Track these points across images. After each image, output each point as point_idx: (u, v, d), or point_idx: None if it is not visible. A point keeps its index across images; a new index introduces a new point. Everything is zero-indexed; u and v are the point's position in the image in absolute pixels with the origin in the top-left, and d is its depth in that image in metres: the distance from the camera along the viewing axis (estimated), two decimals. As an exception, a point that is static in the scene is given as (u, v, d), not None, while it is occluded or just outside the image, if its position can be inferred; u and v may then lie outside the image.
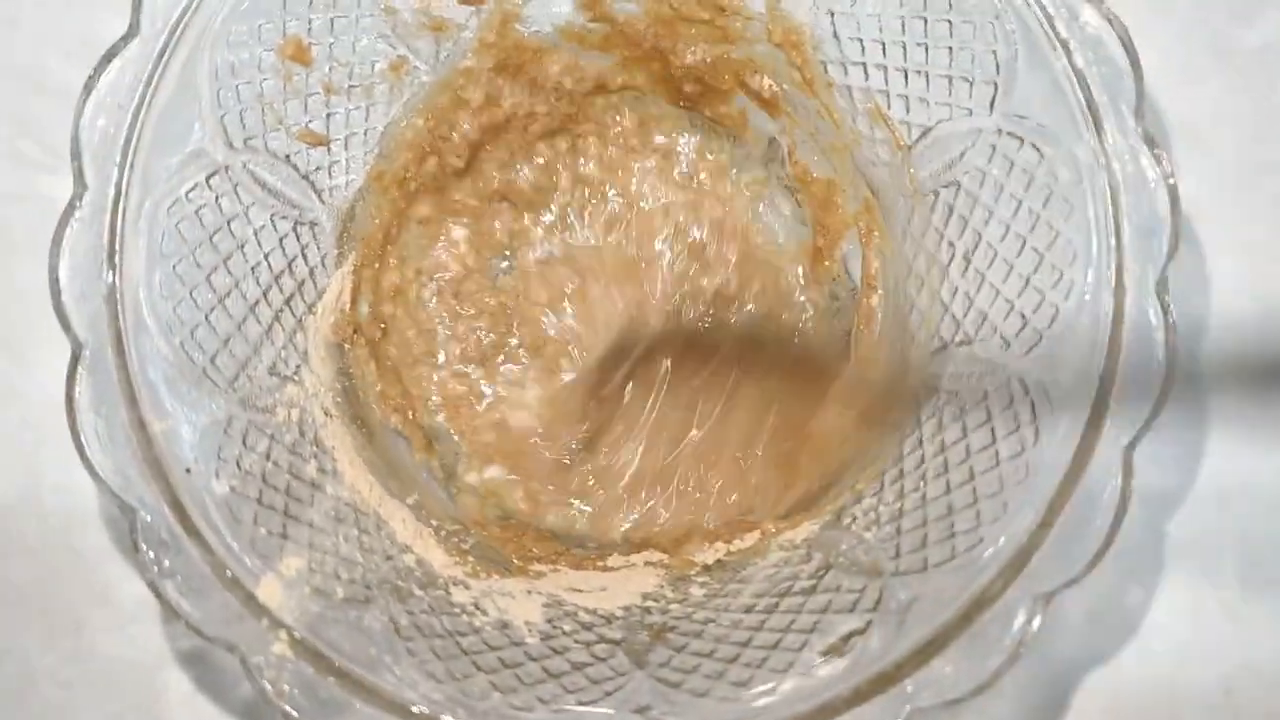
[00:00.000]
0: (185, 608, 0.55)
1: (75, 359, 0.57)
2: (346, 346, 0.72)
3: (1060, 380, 0.59)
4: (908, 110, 0.67)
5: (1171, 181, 0.58)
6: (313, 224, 0.69)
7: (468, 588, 0.62)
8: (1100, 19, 0.60)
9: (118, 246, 0.59)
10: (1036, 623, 0.54)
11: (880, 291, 0.73)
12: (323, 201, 0.70)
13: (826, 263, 0.76)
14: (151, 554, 0.55)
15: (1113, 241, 0.58)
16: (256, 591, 0.56)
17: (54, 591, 0.72)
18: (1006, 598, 0.55)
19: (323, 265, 0.70)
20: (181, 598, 0.55)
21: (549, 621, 0.62)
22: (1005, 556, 0.56)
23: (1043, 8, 0.60)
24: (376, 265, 0.74)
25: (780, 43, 0.71)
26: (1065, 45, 0.60)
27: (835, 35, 0.69)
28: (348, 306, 0.72)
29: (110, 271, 0.58)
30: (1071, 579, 0.55)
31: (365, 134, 0.71)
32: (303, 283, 0.68)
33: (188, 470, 0.57)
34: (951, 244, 0.66)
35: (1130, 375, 0.57)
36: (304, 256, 0.68)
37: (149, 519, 0.56)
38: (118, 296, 0.58)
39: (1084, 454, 0.56)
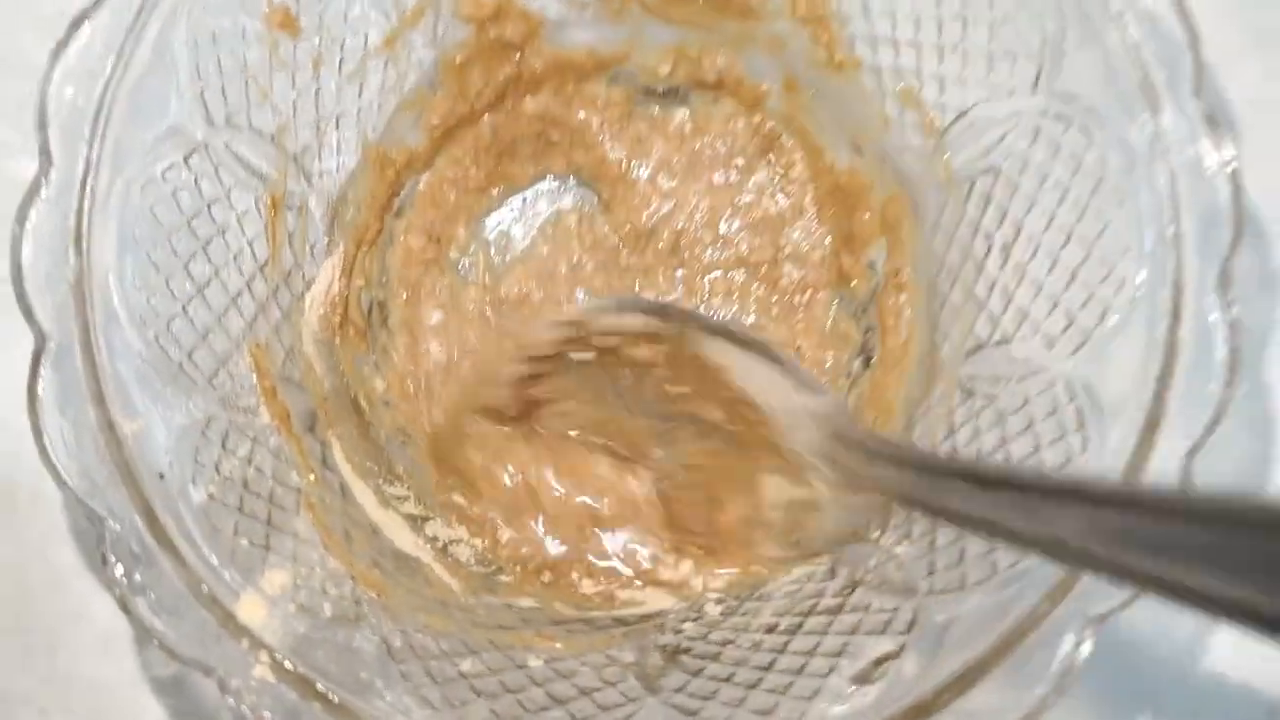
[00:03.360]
0: (159, 627, 0.50)
1: (39, 353, 0.52)
2: (336, 341, 0.67)
3: (1110, 384, 0.54)
4: (942, 91, 0.63)
5: (1234, 168, 0.54)
6: (300, 208, 0.64)
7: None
8: (1155, -10, 0.55)
9: (86, 229, 0.54)
10: (1086, 648, 0.50)
11: (907, 287, 0.68)
12: (311, 184, 0.65)
13: (853, 283, 0.71)
14: (121, 568, 0.51)
15: (1169, 233, 0.54)
16: (236, 610, 0.51)
17: (29, 608, 0.67)
18: (1053, 620, 0.50)
19: (311, 254, 0.65)
20: (154, 616, 0.50)
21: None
22: (1051, 575, 0.51)
23: (1093, -23, 0.55)
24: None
25: (804, 18, 0.66)
26: (1118, 19, 0.55)
27: (865, 9, 0.64)
28: (337, 297, 0.67)
29: (77, 256, 0.53)
30: (1124, 600, 0.50)
31: (358, 112, 0.66)
32: (289, 273, 0.63)
33: (161, 476, 0.53)
34: (988, 235, 0.61)
35: (1188, 379, 0.52)
36: (290, 244, 0.63)
37: (118, 529, 0.51)
38: (86, 284, 0.53)
39: (1138, 464, 0.52)
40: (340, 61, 0.64)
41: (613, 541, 0.66)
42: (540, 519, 0.66)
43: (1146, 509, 0.37)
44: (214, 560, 0.52)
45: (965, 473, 0.47)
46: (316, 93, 0.64)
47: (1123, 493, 0.40)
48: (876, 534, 0.59)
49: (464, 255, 0.75)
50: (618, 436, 0.66)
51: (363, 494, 0.62)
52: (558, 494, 0.67)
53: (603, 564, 0.65)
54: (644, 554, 0.65)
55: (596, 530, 0.66)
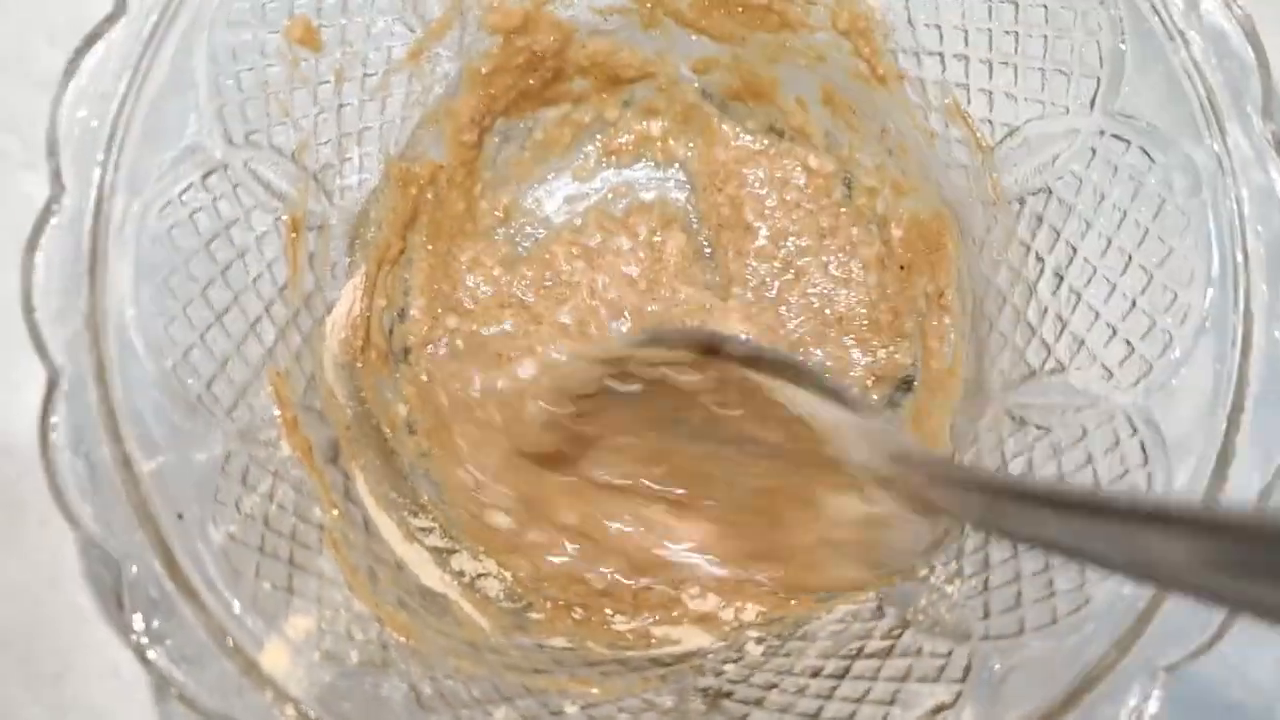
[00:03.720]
0: (178, 677, 0.48)
1: (51, 388, 0.50)
2: (358, 365, 0.64)
3: (1176, 418, 0.52)
4: (991, 107, 0.60)
5: (1305, 192, 0.51)
6: (321, 228, 0.62)
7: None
8: (1221, 6, 0.53)
9: (100, 257, 0.51)
10: (1155, 702, 0.47)
11: (951, 309, 0.65)
12: (332, 203, 0.62)
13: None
14: (138, 614, 0.48)
15: (1239, 259, 0.51)
16: (259, 659, 0.49)
17: (38, 636, 0.65)
18: (1119, 671, 0.48)
19: (332, 274, 0.63)
20: (173, 666, 0.48)
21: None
22: (1117, 622, 0.49)
23: (1156, -8, 0.53)
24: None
25: (846, 30, 0.63)
26: (1182, 36, 0.53)
27: (910, 21, 0.62)
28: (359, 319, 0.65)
29: (91, 286, 0.51)
30: (1196, 649, 0.47)
31: (381, 128, 0.64)
32: (310, 295, 0.61)
33: (180, 516, 0.50)
34: (1040, 258, 0.59)
35: (1260, 413, 0.50)
36: (311, 265, 0.61)
37: (135, 572, 0.48)
38: (100, 315, 0.51)
39: (1212, 496, 0.49)
40: (363, 76, 0.62)
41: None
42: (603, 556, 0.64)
43: (1229, 530, 0.35)
44: (236, 607, 0.49)
45: (1038, 495, 0.45)
46: (338, 108, 0.61)
47: (1204, 516, 0.39)
48: (925, 571, 0.57)
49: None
50: (673, 468, 0.64)
51: (387, 528, 0.60)
52: (616, 532, 0.64)
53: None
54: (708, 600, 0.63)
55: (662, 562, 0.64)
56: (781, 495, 0.61)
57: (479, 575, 0.62)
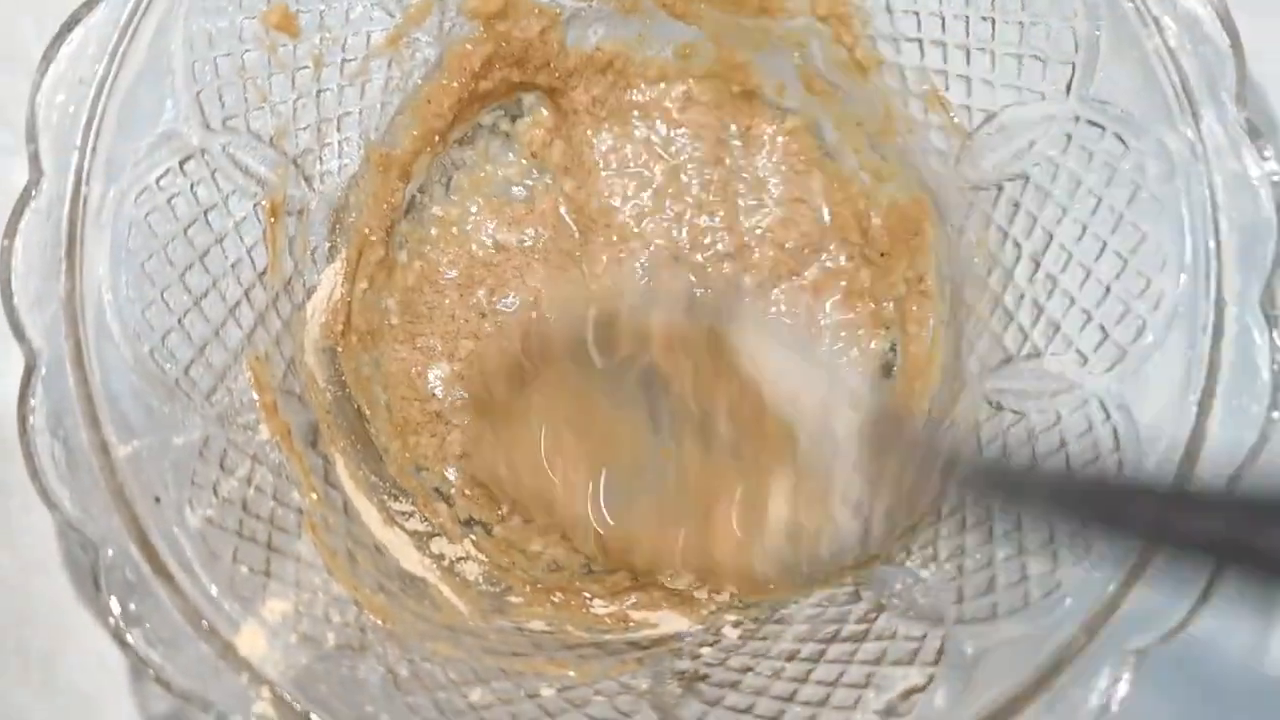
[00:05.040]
0: (155, 660, 0.48)
1: (29, 372, 0.50)
2: (338, 349, 0.64)
3: (1148, 404, 0.52)
4: (969, 93, 0.61)
5: (1278, 179, 0.51)
6: (301, 213, 0.62)
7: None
8: (1196, -8, 0.53)
9: (78, 242, 0.51)
10: (1124, 685, 0.47)
11: (930, 295, 0.65)
12: (312, 188, 0.62)
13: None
14: (115, 598, 0.48)
15: (1210, 246, 0.52)
16: (236, 641, 0.49)
17: (24, 622, 0.65)
18: (1089, 654, 0.48)
19: (312, 260, 0.63)
20: (150, 648, 0.48)
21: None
22: (1088, 606, 0.49)
23: (1131, -22, 0.53)
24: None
25: (825, 15, 0.63)
26: (1156, 22, 0.53)
27: (888, 8, 0.62)
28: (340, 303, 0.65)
29: (69, 270, 0.51)
30: (1165, 633, 0.48)
31: (360, 113, 0.64)
32: (289, 280, 0.61)
33: (157, 499, 0.50)
34: (1017, 244, 0.59)
35: (1230, 400, 0.50)
36: (290, 251, 0.61)
37: (112, 555, 0.49)
38: (78, 299, 0.51)
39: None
40: (342, 61, 0.62)
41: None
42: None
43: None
44: (213, 590, 0.50)
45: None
46: (317, 94, 0.61)
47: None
48: (901, 556, 0.57)
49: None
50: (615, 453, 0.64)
51: (367, 511, 0.60)
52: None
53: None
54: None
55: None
56: (720, 497, 0.61)
57: (459, 559, 0.62)
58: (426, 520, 0.64)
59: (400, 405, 0.68)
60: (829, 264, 0.71)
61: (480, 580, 0.62)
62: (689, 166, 0.72)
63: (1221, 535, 0.39)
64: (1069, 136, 0.57)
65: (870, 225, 0.68)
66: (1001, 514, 0.53)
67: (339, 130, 0.63)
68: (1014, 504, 0.51)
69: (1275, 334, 0.50)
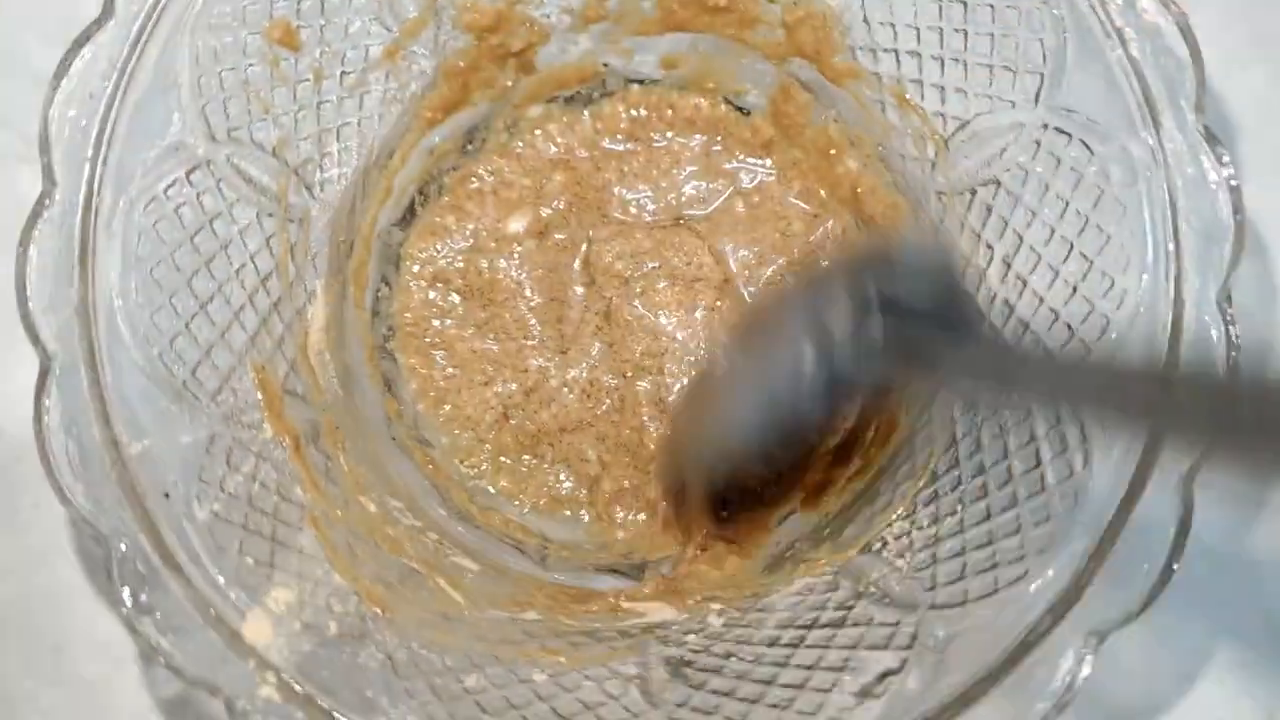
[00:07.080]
0: (165, 647, 0.50)
1: (44, 373, 0.53)
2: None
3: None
4: (943, 101, 0.63)
5: (1235, 183, 0.54)
6: (302, 220, 0.64)
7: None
8: (1157, 5, 0.55)
9: (90, 249, 0.54)
10: (1088, 665, 0.50)
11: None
12: (313, 196, 0.65)
13: None
14: (127, 588, 0.51)
15: (1170, 248, 0.54)
16: (242, 629, 0.51)
17: (33, 612, 0.67)
18: (1055, 637, 0.51)
19: (313, 264, 0.65)
20: (161, 636, 0.50)
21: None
22: (1053, 591, 0.52)
23: (1095, -8, 0.55)
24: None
25: (802, 25, 0.66)
26: (1120, 34, 0.55)
27: (865, 20, 0.64)
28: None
29: (82, 277, 0.54)
30: (1126, 616, 0.50)
31: (359, 124, 0.66)
32: (292, 284, 0.63)
33: (166, 495, 0.53)
34: (989, 246, 0.62)
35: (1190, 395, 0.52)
36: (293, 256, 0.63)
37: (124, 549, 0.51)
38: (90, 305, 0.54)
39: (1140, 480, 0.52)
40: (341, 74, 0.64)
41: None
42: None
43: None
44: (220, 579, 0.52)
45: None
46: (318, 105, 0.64)
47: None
48: (879, 546, 0.60)
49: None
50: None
51: (366, 507, 0.62)
52: None
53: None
54: None
55: None
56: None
57: (454, 554, 0.65)
58: (421, 517, 0.66)
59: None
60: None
61: (474, 574, 0.64)
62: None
63: (1213, 417, 0.42)
64: (1038, 143, 0.59)
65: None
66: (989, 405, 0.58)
67: (339, 140, 0.66)
68: (1012, 389, 0.53)
69: (1231, 332, 0.52)
